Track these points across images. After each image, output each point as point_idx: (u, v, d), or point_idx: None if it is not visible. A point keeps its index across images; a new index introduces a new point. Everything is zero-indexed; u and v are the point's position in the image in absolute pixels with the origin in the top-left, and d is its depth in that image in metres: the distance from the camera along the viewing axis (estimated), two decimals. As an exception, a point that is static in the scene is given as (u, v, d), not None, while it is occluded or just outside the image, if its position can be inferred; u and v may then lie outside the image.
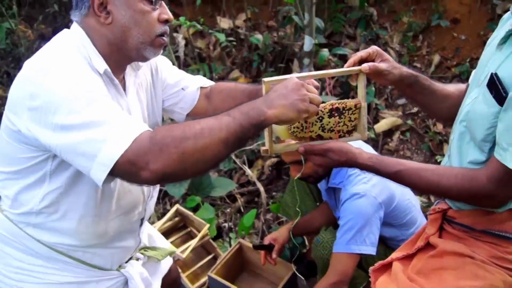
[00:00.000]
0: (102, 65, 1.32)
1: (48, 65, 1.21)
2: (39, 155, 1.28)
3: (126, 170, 1.12)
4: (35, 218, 1.37)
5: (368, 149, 2.00)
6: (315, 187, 2.46)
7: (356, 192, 1.96)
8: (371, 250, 1.96)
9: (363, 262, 2.10)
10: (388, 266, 1.53)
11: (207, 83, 1.73)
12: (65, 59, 1.23)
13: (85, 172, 1.17)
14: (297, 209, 2.22)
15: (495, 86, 1.21)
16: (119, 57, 1.37)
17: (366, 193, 1.96)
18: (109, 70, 1.34)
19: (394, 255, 1.56)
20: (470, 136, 1.34)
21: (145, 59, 1.40)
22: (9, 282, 1.43)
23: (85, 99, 1.15)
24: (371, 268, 1.58)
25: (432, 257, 1.43)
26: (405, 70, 1.51)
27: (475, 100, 1.32)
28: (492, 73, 1.23)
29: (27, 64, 1.24)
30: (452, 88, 1.61)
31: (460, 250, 1.40)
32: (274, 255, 2.24)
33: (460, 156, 1.39)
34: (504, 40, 1.26)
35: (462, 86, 1.61)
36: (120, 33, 1.31)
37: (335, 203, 2.20)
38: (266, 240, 2.29)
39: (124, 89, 1.45)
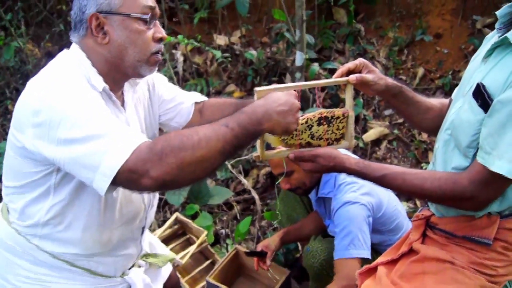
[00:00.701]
0: (101, 83, 1.33)
1: (50, 83, 1.21)
2: (44, 169, 1.28)
3: (127, 178, 1.12)
4: (42, 230, 1.37)
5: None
6: (305, 196, 2.45)
7: (348, 200, 1.96)
8: (368, 254, 1.95)
9: None
10: (374, 270, 1.54)
11: (201, 98, 1.74)
12: (66, 78, 1.24)
13: (88, 183, 1.17)
14: (279, 216, 2.21)
15: (481, 94, 1.22)
16: (117, 74, 1.38)
17: (357, 201, 1.96)
18: (107, 87, 1.35)
19: (379, 259, 1.56)
20: (454, 143, 1.35)
21: (141, 76, 1.40)
22: None
23: (86, 114, 1.16)
24: (357, 271, 1.59)
25: (414, 262, 1.43)
26: (390, 81, 1.52)
27: (460, 109, 1.33)
28: (478, 83, 1.24)
29: (30, 83, 1.25)
30: (435, 101, 1.62)
31: (441, 256, 1.40)
32: (267, 262, 2.23)
33: (444, 163, 1.40)
34: (489, 53, 1.27)
35: (444, 100, 1.63)
36: (117, 52, 1.32)
37: (325, 212, 2.20)
38: (259, 247, 2.28)
39: (123, 105, 1.46)
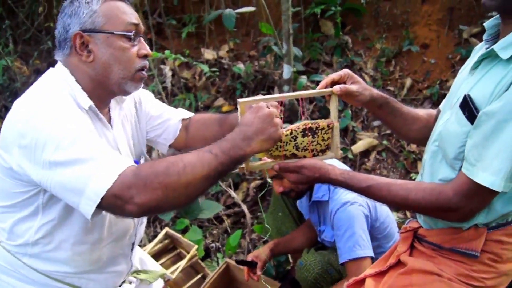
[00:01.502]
0: (87, 102, 1.34)
1: (36, 104, 1.22)
2: (31, 190, 1.29)
3: (112, 204, 1.13)
4: (31, 249, 1.38)
5: (341, 167, 2.04)
6: (294, 209, 2.47)
7: (346, 200, 1.97)
8: (372, 253, 1.97)
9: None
10: (362, 282, 1.54)
11: (187, 114, 1.75)
12: (52, 98, 1.24)
13: (75, 206, 1.17)
14: (270, 230, 2.22)
15: (468, 106, 1.23)
16: (102, 92, 1.38)
17: (355, 201, 1.98)
18: (93, 106, 1.35)
19: (367, 271, 1.56)
20: (442, 155, 1.35)
21: (126, 93, 1.41)
22: None
23: (71, 137, 1.16)
24: (345, 284, 1.59)
25: (402, 274, 1.43)
26: (376, 92, 1.51)
27: (447, 121, 1.33)
28: (465, 95, 1.24)
29: (16, 104, 1.25)
30: (422, 112, 1.62)
31: (428, 268, 1.39)
32: (258, 272, 2.24)
33: (432, 174, 1.40)
34: (477, 65, 1.29)
35: (431, 111, 1.63)
36: (102, 69, 1.33)
37: (318, 218, 2.21)
38: (249, 258, 2.29)
39: (110, 122, 1.47)
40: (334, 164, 1.45)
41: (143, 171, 1.12)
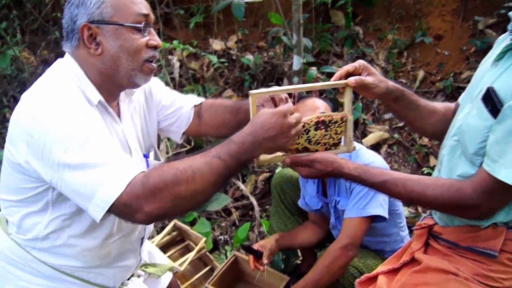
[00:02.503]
0: (96, 96, 1.32)
1: (44, 100, 1.20)
2: (40, 185, 1.28)
3: (121, 211, 1.13)
4: (41, 243, 1.38)
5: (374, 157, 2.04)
6: (294, 208, 2.47)
7: (371, 161, 1.95)
8: (385, 214, 1.96)
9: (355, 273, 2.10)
10: (374, 279, 1.52)
11: (198, 100, 1.73)
12: (60, 93, 1.22)
13: (84, 209, 1.17)
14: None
15: (491, 99, 1.19)
16: (112, 86, 1.37)
17: (379, 161, 1.99)
18: (103, 100, 1.33)
19: (379, 268, 1.54)
20: (461, 150, 1.32)
21: (136, 85, 1.39)
22: None
23: (80, 138, 1.14)
24: (357, 280, 1.57)
25: (416, 272, 1.41)
26: (391, 84, 1.48)
27: (468, 115, 1.30)
28: (488, 87, 1.21)
29: (24, 98, 1.24)
30: (439, 105, 1.59)
31: (444, 266, 1.37)
32: (264, 261, 2.23)
33: (450, 170, 1.37)
34: (501, 56, 1.25)
35: (449, 104, 1.59)
36: (111, 62, 1.31)
37: (334, 189, 2.18)
38: (254, 247, 2.28)
39: (119, 115, 1.45)
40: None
41: (151, 180, 1.11)
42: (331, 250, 1.97)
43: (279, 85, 4.03)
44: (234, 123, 1.62)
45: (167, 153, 3.27)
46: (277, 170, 2.91)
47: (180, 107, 1.69)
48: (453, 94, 3.71)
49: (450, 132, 1.41)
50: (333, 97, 3.63)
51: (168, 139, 3.39)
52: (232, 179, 1.18)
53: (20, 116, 1.22)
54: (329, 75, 3.87)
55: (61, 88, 1.24)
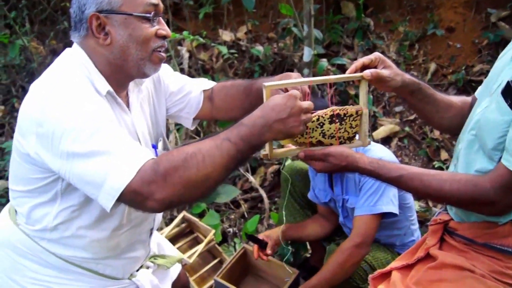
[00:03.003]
0: (105, 87, 1.30)
1: (53, 90, 1.19)
2: (49, 176, 1.27)
3: (132, 199, 1.12)
4: (50, 234, 1.37)
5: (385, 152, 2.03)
6: (303, 202, 2.45)
7: (380, 156, 1.92)
8: (396, 210, 1.97)
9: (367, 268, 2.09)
10: (387, 275, 1.50)
11: (209, 85, 1.70)
12: (69, 84, 1.21)
13: (93, 198, 1.16)
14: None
15: (511, 93, 1.17)
16: (121, 76, 1.35)
17: (388, 156, 1.98)
18: (112, 90, 1.32)
19: (393, 264, 1.52)
20: (479, 144, 1.30)
21: (145, 75, 1.38)
22: None
23: (89, 128, 1.13)
24: (370, 276, 1.55)
25: (431, 268, 1.39)
26: (408, 77, 1.46)
27: (486, 109, 1.28)
28: (508, 81, 1.18)
29: (33, 88, 1.23)
30: (456, 99, 1.56)
31: (460, 263, 1.35)
32: (269, 251, 2.23)
33: (467, 165, 1.35)
34: None
35: (466, 98, 1.57)
36: (120, 53, 1.29)
37: (340, 187, 2.17)
38: (260, 237, 2.28)
39: (128, 106, 1.44)
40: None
41: (161, 166, 1.09)
42: (344, 248, 1.97)
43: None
44: (246, 103, 1.59)
45: (176, 144, 3.25)
46: (287, 163, 2.88)
47: (188, 93, 1.67)
48: (465, 87, 3.68)
49: (467, 126, 1.39)
50: (343, 89, 3.60)
51: (178, 130, 3.38)
52: (242, 165, 1.15)
53: (29, 107, 1.21)
54: (339, 67, 3.85)
55: (70, 79, 1.23)
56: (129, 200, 1.12)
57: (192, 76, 4.19)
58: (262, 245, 2.25)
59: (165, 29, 1.34)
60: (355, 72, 1.40)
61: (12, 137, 4.10)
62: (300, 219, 2.44)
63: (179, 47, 4.31)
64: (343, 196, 2.16)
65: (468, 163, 1.34)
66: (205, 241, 2.58)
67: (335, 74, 3.71)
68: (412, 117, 3.70)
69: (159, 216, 1.64)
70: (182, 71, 4.10)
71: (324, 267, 2.01)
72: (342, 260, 1.96)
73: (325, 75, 3.65)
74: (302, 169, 2.42)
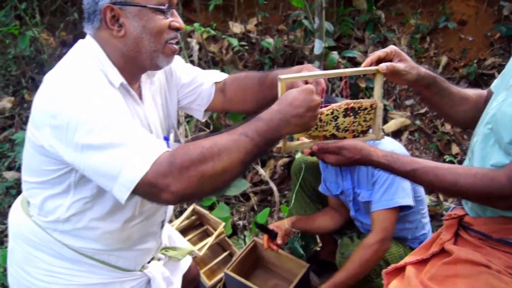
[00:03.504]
0: (118, 79, 1.30)
1: (67, 82, 1.19)
2: (62, 168, 1.27)
3: (147, 191, 1.11)
4: (62, 226, 1.37)
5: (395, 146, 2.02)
6: (314, 195, 2.44)
7: (391, 149, 1.92)
8: (412, 202, 1.99)
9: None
10: (401, 270, 1.48)
11: (221, 77, 1.69)
12: (83, 76, 1.21)
13: (107, 190, 1.16)
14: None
15: None
16: (134, 68, 1.35)
17: (399, 149, 1.98)
18: (125, 82, 1.32)
19: (407, 259, 1.50)
20: (495, 139, 1.28)
21: (158, 67, 1.38)
22: (39, 284, 1.44)
23: (104, 119, 1.13)
24: (384, 271, 1.54)
25: (446, 264, 1.37)
26: (423, 70, 1.45)
27: (503, 103, 1.26)
28: None
29: (48, 80, 1.23)
30: (471, 92, 1.55)
31: (475, 258, 1.33)
32: (279, 241, 2.22)
33: (483, 159, 1.33)
34: None
35: (481, 91, 1.56)
36: (134, 45, 1.29)
37: (351, 181, 2.17)
38: (270, 227, 2.27)
39: (140, 97, 1.44)
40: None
41: (178, 159, 1.09)
42: (368, 245, 1.98)
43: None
44: (260, 95, 1.58)
45: (186, 136, 3.24)
46: (297, 156, 2.86)
47: (200, 84, 1.66)
48: (476, 80, 3.64)
49: (483, 120, 1.37)
50: (353, 82, 3.57)
51: (188, 122, 3.36)
52: (259, 158, 1.14)
53: (43, 99, 1.21)
54: (350, 60, 3.81)
55: (83, 71, 1.23)
56: (144, 192, 1.12)
57: (202, 68, 4.18)
58: (272, 235, 2.24)
59: (178, 21, 1.34)
60: (371, 65, 1.40)
61: (22, 128, 4.14)
62: (311, 213, 2.43)
63: (189, 39, 4.29)
64: (355, 190, 2.14)
65: (483, 157, 1.33)
66: (215, 233, 2.58)
67: (346, 67, 3.68)
68: (423, 111, 3.67)
69: (170, 209, 1.64)
70: (192, 63, 4.09)
71: (349, 264, 2.01)
72: (368, 256, 1.97)
73: (336, 68, 3.62)
74: (312, 163, 2.40)
